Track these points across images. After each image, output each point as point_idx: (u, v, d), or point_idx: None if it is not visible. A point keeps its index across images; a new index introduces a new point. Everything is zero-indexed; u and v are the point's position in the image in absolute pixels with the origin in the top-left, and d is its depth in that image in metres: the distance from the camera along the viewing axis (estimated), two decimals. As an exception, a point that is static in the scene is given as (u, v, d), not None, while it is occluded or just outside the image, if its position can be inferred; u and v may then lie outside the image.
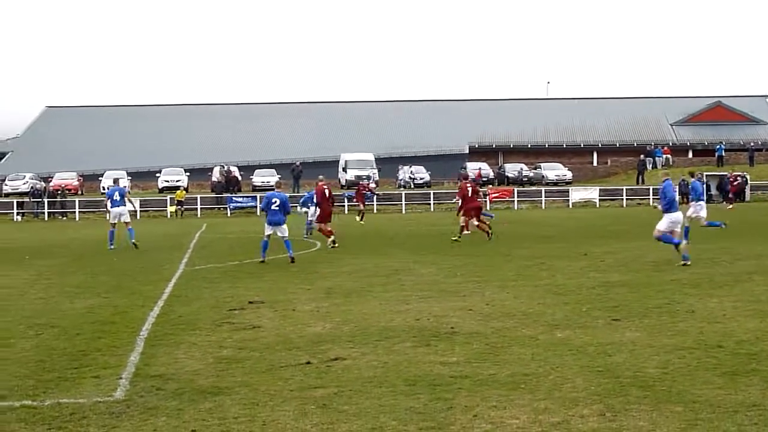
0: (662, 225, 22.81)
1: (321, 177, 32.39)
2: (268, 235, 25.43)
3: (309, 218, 36.20)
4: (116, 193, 31.74)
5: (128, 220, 31.88)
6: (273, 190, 26.75)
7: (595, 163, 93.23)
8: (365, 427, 8.65)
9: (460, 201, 33.36)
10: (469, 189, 32.62)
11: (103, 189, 73.98)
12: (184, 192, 66.38)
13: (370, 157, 78.38)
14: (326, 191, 30.56)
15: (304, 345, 12.73)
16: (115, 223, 31.32)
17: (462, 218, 32.59)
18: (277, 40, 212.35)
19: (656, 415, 8.80)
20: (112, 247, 30.64)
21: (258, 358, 11.90)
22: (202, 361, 11.76)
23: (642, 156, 78.58)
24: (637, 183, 72.21)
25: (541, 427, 8.52)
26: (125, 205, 31.67)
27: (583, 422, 8.63)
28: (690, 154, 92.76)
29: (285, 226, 25.52)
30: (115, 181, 35.00)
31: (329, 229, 30.33)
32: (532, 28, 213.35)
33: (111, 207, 31.27)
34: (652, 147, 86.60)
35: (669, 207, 22.76)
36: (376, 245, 31.12)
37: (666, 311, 14.95)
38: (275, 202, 25.43)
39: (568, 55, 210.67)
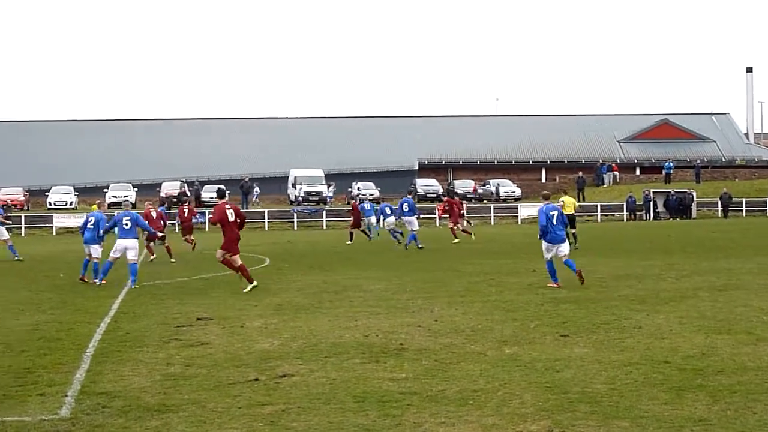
0: (543, 250, 22.11)
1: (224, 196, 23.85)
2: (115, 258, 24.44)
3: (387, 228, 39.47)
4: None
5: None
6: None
7: (543, 180, 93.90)
8: (314, 445, 8.61)
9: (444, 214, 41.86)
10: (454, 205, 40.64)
11: (50, 205, 73.36)
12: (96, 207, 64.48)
13: (320, 173, 78.36)
14: (230, 212, 22.66)
15: (252, 362, 12.66)
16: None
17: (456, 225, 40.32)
18: (228, 55, 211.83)
19: (604, 430, 8.86)
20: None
21: (206, 375, 11.82)
22: (149, 378, 11.65)
23: (580, 173, 79.15)
24: (579, 200, 72.73)
25: (489, 443, 8.53)
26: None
27: (531, 438, 8.66)
28: (637, 171, 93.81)
29: (99, 248, 24.79)
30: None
31: (235, 261, 22.70)
32: (481, 45, 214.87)
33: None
34: (600, 163, 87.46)
35: (543, 234, 21.76)
36: (325, 261, 31.07)
37: (614, 327, 15.05)
38: (126, 221, 24.19)
39: (516, 72, 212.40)
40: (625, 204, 67.61)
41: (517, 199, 75.55)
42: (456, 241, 39.62)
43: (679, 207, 66.49)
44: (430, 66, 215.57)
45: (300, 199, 71.93)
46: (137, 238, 24.64)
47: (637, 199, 67.50)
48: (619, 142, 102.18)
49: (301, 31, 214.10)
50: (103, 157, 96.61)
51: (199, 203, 73.22)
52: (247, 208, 69.28)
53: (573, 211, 35.25)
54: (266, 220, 65.20)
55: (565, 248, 21.86)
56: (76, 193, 77.75)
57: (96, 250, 25.02)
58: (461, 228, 41.81)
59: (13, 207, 67.84)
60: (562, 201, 34.94)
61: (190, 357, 13.10)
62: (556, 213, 21.79)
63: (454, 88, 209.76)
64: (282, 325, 16.05)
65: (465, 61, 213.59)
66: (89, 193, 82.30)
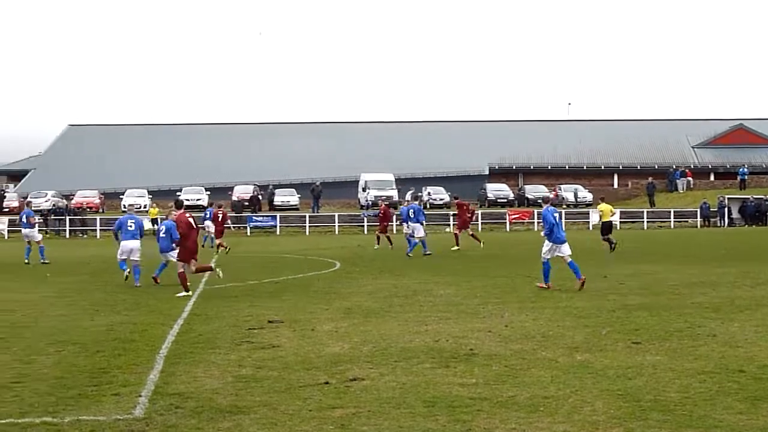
0: (544, 249, 22.87)
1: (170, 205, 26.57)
2: (166, 262, 25.32)
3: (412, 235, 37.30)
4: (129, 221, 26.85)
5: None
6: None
7: (615, 186, 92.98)
8: (384, 448, 8.64)
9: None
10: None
11: (124, 207, 74.48)
12: (157, 210, 65.05)
13: (390, 177, 78.38)
14: (191, 221, 23.40)
15: (322, 365, 12.72)
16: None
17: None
18: (300, 60, 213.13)
19: (677, 439, 8.76)
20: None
21: (277, 377, 11.90)
22: (222, 380, 11.77)
23: (650, 179, 78.21)
24: (649, 206, 71.90)
25: (560, 450, 8.48)
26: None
27: (602, 446, 8.59)
28: (712, 177, 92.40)
29: (173, 254, 24.89)
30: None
31: (202, 265, 24.36)
32: (554, 50, 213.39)
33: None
34: (673, 169, 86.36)
35: (549, 233, 22.69)
36: (395, 266, 31.08)
37: (687, 335, 14.87)
38: (162, 229, 25.09)
39: (589, 77, 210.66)
40: (699, 210, 66.67)
41: (588, 205, 74.93)
42: (455, 248, 38.29)
43: (755, 213, 65.38)
44: (502, 70, 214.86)
45: (370, 203, 72.11)
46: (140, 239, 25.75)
47: (711, 205, 66.49)
48: (693, 147, 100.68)
49: (373, 35, 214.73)
50: (177, 160, 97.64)
51: (272, 207, 73.80)
52: (317, 212, 69.69)
53: (609, 218, 37.56)
54: (336, 224, 65.46)
55: (566, 249, 22.63)
56: (150, 196, 78.73)
57: (173, 255, 24.84)
58: (470, 233, 40.64)
59: (88, 209, 68.94)
60: (600, 210, 37.96)
61: (262, 359, 13.21)
62: (557, 215, 23.06)
63: (526, 92, 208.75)
64: (352, 329, 16.10)
65: (537, 65, 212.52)
66: (163, 196, 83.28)
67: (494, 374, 11.88)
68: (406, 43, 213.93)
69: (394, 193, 73.43)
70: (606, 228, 37.73)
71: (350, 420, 9.64)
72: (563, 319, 16.93)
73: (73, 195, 75.68)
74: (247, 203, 70.98)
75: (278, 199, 75.21)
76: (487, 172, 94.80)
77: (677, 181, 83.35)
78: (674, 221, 65.67)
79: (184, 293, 22.19)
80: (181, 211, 23.63)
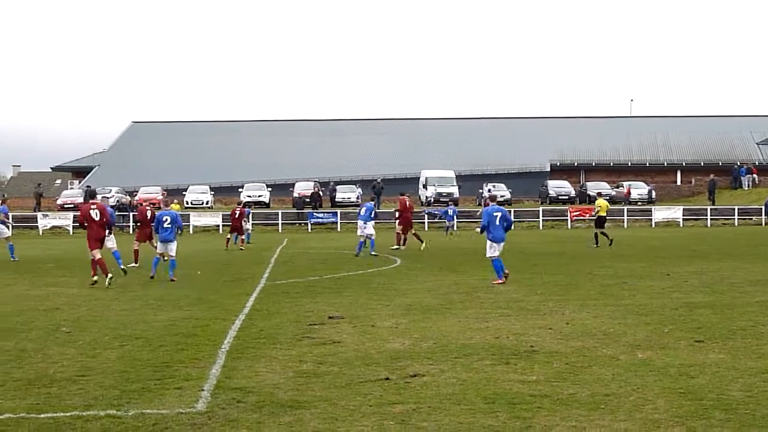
0: (487, 249, 23.84)
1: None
2: (161, 253, 26.41)
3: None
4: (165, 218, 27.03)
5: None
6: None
7: (678, 182, 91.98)
8: (443, 444, 8.64)
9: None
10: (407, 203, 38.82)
11: (187, 204, 75.17)
12: (179, 206, 65.16)
13: (451, 174, 78.23)
14: (94, 212, 24.60)
15: (383, 361, 12.76)
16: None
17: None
18: (361, 56, 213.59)
19: (740, 438, 8.66)
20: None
21: (337, 372, 11.96)
22: (282, 375, 11.85)
23: (712, 175, 77.13)
24: (710, 203, 70.85)
25: (621, 449, 8.43)
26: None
27: (664, 444, 8.53)
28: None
29: (174, 245, 26.15)
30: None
31: (93, 255, 24.51)
32: (616, 46, 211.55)
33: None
34: (737, 166, 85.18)
35: (483, 230, 23.74)
36: (455, 263, 31.05)
37: (750, 333, 14.69)
38: (166, 219, 26.20)
39: (652, 73, 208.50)
40: (763, 208, 65.60)
41: (650, 202, 74.17)
42: (395, 247, 37.83)
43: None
44: (565, 66, 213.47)
45: (431, 199, 72.05)
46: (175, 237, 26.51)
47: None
48: (757, 143, 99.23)
49: (434, 33, 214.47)
50: (239, 157, 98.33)
51: (334, 203, 74.02)
52: (379, 208, 69.80)
53: (605, 214, 39.94)
54: (397, 220, 65.34)
55: (502, 248, 23.69)
56: (212, 193, 79.38)
57: (171, 249, 26.11)
58: (413, 232, 39.28)
59: (151, 205, 69.68)
60: (598, 205, 39.83)
61: (322, 355, 13.28)
62: (499, 214, 23.68)
63: (588, 88, 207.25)
64: (412, 326, 16.13)
65: (601, 61, 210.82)
66: (225, 192, 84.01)
67: (555, 372, 11.83)
68: (468, 39, 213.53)
69: (454, 190, 73.23)
70: (600, 222, 39.90)
71: (410, 416, 9.66)
72: (625, 317, 16.81)
73: (137, 191, 76.53)
74: (308, 199, 71.24)
75: (339, 196, 75.37)
76: (548, 169, 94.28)
77: (742, 177, 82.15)
78: (738, 219, 64.65)
79: (95, 278, 24.03)
80: (91, 201, 25.91)
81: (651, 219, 65.52)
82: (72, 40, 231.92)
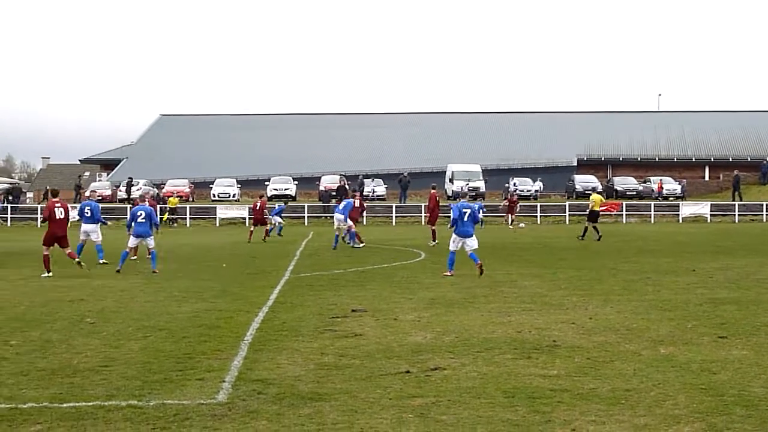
0: (450, 242, 24.82)
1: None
2: (133, 247, 26.76)
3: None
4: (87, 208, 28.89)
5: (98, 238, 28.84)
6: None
7: (706, 178, 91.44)
8: (462, 438, 8.65)
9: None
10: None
11: (213, 196, 75.42)
12: (177, 200, 65.16)
13: (477, 168, 78.09)
14: (59, 210, 25.38)
15: (404, 354, 12.77)
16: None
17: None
18: (389, 50, 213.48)
19: (760, 435, 8.62)
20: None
21: (358, 365, 11.99)
22: (304, 367, 11.88)
23: (736, 171, 76.46)
24: (733, 199, 70.25)
25: (640, 444, 8.41)
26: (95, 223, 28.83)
27: (683, 440, 8.50)
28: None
29: (151, 238, 26.41)
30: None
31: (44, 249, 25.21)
32: (644, 41, 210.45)
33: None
34: (767, 161, 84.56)
35: (452, 226, 24.60)
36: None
37: (775, 330, 14.61)
38: (141, 214, 26.31)
39: (679, 68, 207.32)
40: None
41: (678, 197, 73.80)
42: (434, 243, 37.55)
43: None
44: (593, 61, 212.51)
45: (458, 194, 71.91)
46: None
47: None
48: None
49: (462, 26, 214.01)
50: (266, 150, 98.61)
51: (362, 196, 74.04)
52: (404, 203, 69.76)
53: (598, 208, 40.99)
54: (423, 214, 65.39)
55: (471, 243, 24.27)
56: (239, 186, 79.65)
57: (149, 242, 26.37)
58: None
59: (179, 198, 70.09)
60: (592, 199, 41.05)
61: (344, 347, 13.31)
62: (468, 210, 24.38)
63: (615, 83, 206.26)
64: (434, 319, 16.13)
65: (628, 56, 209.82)
66: (251, 185, 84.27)
67: (576, 366, 11.80)
68: (498, 33, 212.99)
69: (481, 184, 73.11)
70: (593, 216, 40.78)
71: (430, 409, 9.67)
72: (648, 312, 16.74)
73: (164, 184, 76.92)
74: (334, 193, 71.29)
75: (366, 189, 75.45)
76: (575, 164, 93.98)
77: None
78: (766, 215, 64.23)
79: (46, 274, 24.39)
80: (55, 199, 25.55)
81: (678, 214, 65.21)
82: (101, 33, 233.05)
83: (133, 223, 26.56)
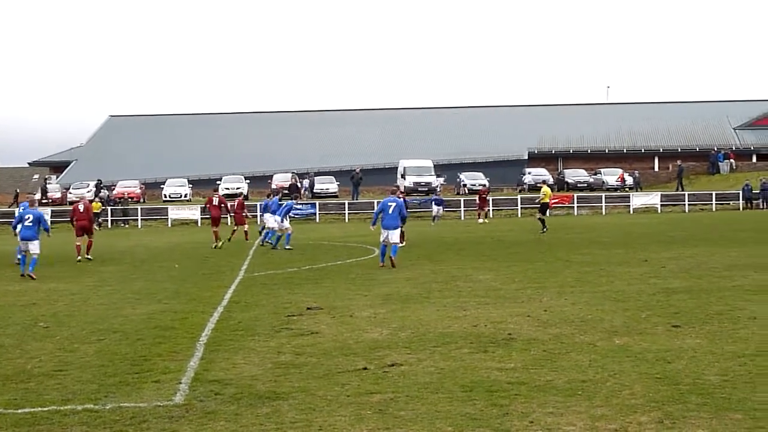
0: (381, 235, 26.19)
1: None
2: (25, 251, 25.81)
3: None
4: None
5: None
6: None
7: (656, 168, 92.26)
8: (421, 433, 8.66)
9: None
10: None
11: (165, 197, 74.94)
12: (100, 204, 64.10)
13: (429, 163, 78.13)
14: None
15: (361, 351, 12.78)
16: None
17: None
18: (338, 46, 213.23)
19: (716, 422, 8.72)
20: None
21: (315, 363, 11.97)
22: (261, 367, 11.85)
23: (679, 161, 77.10)
24: (677, 189, 70.91)
25: (598, 434, 8.47)
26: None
27: (640, 429, 8.58)
28: (754, 159, 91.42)
29: (37, 243, 25.69)
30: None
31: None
32: (591, 33, 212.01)
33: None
34: (715, 151, 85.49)
35: (375, 220, 27.00)
36: (433, 252, 31.09)
37: (727, 318, 14.78)
38: (28, 218, 25.90)
39: (627, 60, 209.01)
40: (740, 193, 65.89)
41: (638, 188, 74.45)
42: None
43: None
44: (541, 54, 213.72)
45: (409, 189, 71.94)
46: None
47: (753, 187, 65.63)
48: (734, 129, 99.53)
49: (410, 22, 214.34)
50: (217, 149, 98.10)
51: (313, 194, 73.92)
52: (357, 200, 69.68)
53: (548, 200, 42.32)
54: (375, 210, 65.37)
55: (392, 236, 25.67)
56: (191, 185, 79.18)
57: (34, 246, 25.57)
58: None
59: (129, 200, 69.50)
60: (543, 192, 42.27)
61: (301, 346, 13.29)
62: (393, 204, 26.03)
63: (564, 76, 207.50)
64: (390, 315, 16.15)
65: (575, 48, 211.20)
66: (203, 185, 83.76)
67: (532, 359, 11.87)
68: (441, 27, 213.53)
69: (432, 180, 73.20)
70: (543, 208, 41.93)
71: (388, 405, 9.68)
72: (602, 303, 16.88)
73: (114, 185, 76.27)
74: (286, 191, 71.09)
75: (317, 187, 75.30)
76: (526, 157, 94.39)
77: (720, 163, 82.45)
78: (716, 204, 64.93)
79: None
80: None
81: (629, 205, 65.76)
82: (48, 31, 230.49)
83: (19, 226, 26.14)
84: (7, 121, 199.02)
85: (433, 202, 58.04)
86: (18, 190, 78.22)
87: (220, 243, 35.63)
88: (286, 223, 34.76)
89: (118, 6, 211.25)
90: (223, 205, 38.43)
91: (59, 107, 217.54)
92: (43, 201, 70.37)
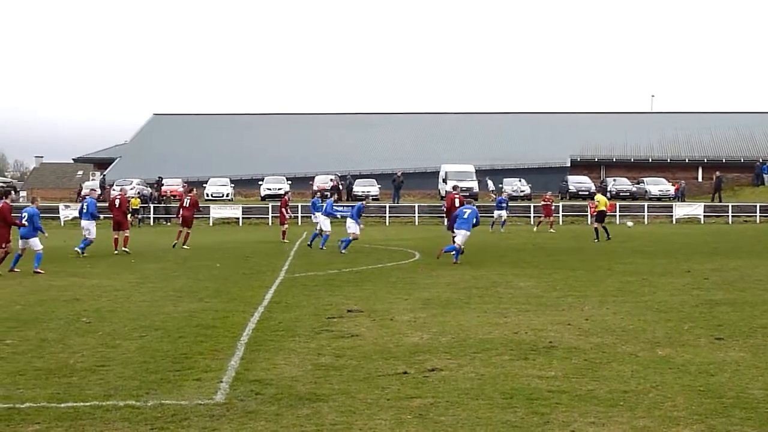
0: None
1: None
2: (22, 249, 26.38)
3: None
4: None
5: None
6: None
7: (700, 179, 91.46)
8: (461, 439, 8.64)
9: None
10: (456, 200, 35.58)
11: (207, 196, 75.32)
12: (138, 200, 64.06)
13: (471, 168, 78.01)
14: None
15: (401, 355, 12.76)
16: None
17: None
18: (384, 51, 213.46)
19: (759, 437, 8.61)
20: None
21: (356, 366, 11.97)
22: (301, 368, 11.87)
23: (717, 173, 76.00)
24: (712, 200, 70.09)
25: (639, 445, 8.40)
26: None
27: (683, 442, 8.50)
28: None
29: (36, 239, 26.19)
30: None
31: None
32: (637, 42, 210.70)
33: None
34: (760, 162, 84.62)
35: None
36: (474, 258, 30.98)
37: (772, 331, 14.61)
38: (24, 217, 26.35)
39: (673, 69, 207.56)
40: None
41: (672, 198, 73.81)
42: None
43: None
44: (586, 62, 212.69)
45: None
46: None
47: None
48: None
49: (458, 27, 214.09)
50: (260, 149, 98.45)
51: (351, 197, 73.98)
52: (398, 203, 69.62)
53: (604, 208, 41.39)
54: (416, 214, 65.36)
55: (459, 236, 28.31)
56: (233, 185, 79.54)
57: (35, 244, 26.14)
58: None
59: (172, 198, 69.94)
60: (597, 200, 41.64)
61: (341, 348, 13.30)
62: (469, 211, 28.70)
63: (609, 84, 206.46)
64: (431, 320, 16.12)
65: (621, 57, 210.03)
66: (245, 185, 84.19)
67: (573, 367, 11.80)
68: (492, 33, 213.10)
69: (474, 185, 73.01)
70: (600, 216, 41.24)
71: (428, 410, 9.66)
72: (644, 314, 16.74)
73: (163, 183, 76.78)
74: (327, 193, 71.25)
75: (358, 189, 75.32)
76: (568, 164, 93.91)
77: (765, 175, 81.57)
78: (760, 216, 64.21)
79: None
80: (4, 200, 26.22)
81: (672, 215, 65.22)
82: (95, 32, 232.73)
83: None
84: (55, 118, 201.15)
85: (503, 204, 53.78)
86: (81, 185, 79.07)
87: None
88: (327, 226, 35.11)
89: (164, 7, 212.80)
90: (196, 207, 39.89)
91: (106, 105, 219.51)
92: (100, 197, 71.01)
